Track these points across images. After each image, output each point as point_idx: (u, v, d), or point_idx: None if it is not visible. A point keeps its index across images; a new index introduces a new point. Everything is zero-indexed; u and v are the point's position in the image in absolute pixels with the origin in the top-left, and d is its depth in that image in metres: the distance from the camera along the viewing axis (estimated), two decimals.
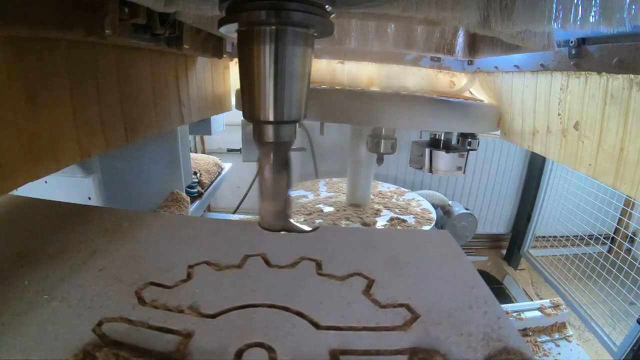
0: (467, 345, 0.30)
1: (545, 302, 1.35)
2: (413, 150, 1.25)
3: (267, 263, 0.44)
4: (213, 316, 0.34)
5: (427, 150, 1.15)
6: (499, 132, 1.12)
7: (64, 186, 0.72)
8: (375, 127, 1.21)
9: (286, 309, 0.35)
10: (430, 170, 1.16)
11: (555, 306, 1.29)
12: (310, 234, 0.50)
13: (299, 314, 0.34)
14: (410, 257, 0.44)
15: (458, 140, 1.17)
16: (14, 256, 0.44)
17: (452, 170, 1.15)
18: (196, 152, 2.31)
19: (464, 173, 1.17)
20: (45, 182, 0.80)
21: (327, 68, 1.29)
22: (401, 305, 0.35)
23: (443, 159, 1.13)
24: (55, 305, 0.35)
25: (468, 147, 1.13)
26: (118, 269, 0.42)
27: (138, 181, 1.03)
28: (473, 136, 1.14)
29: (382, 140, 1.20)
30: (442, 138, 1.17)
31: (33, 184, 0.55)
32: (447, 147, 1.14)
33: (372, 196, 1.55)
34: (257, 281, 0.40)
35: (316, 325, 0.32)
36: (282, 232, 0.50)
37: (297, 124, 0.45)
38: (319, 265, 0.43)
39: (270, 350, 0.30)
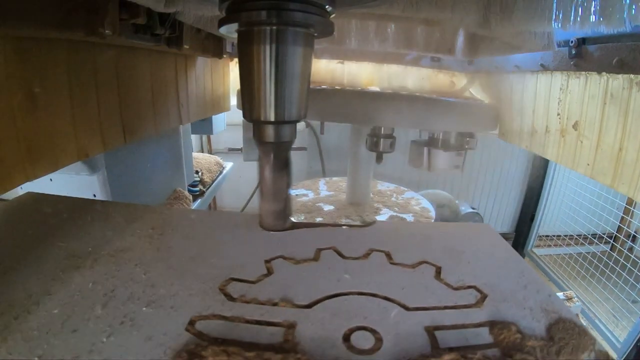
0: (532, 317, 0.35)
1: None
2: (412, 149, 1.26)
3: (341, 255, 0.46)
4: (308, 306, 0.36)
5: (426, 149, 1.17)
6: (497, 132, 1.13)
7: (69, 184, 0.72)
8: (374, 126, 1.22)
9: (374, 295, 0.38)
10: (429, 169, 1.18)
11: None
12: (367, 229, 0.53)
13: (387, 298, 0.37)
14: (463, 246, 0.48)
15: (457, 139, 1.18)
16: (66, 257, 0.42)
17: (450, 169, 1.16)
18: (202, 152, 2.34)
19: (462, 171, 1.19)
20: (51, 180, 0.81)
21: (327, 68, 1.29)
22: (470, 287, 0.40)
23: (441, 157, 1.15)
24: (133, 307, 0.34)
25: (466, 146, 1.15)
26: (188, 266, 0.41)
27: (142, 179, 1.05)
28: (471, 135, 1.16)
29: (381, 139, 1.21)
30: (441, 137, 1.18)
31: (38, 182, 0.55)
32: (445, 146, 1.16)
33: (371, 195, 1.55)
34: (336, 272, 0.42)
35: (405, 307, 0.36)
36: (344, 227, 0.54)
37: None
38: (388, 255, 0.46)
39: (373, 332, 0.32)
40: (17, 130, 0.49)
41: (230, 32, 0.46)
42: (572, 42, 0.72)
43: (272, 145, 0.47)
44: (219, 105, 1.28)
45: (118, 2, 0.57)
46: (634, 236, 2.43)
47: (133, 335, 0.31)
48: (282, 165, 0.49)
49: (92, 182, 0.84)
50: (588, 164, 0.75)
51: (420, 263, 0.44)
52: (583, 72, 0.75)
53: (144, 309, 0.34)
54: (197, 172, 1.52)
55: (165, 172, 1.19)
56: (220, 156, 1.90)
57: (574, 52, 0.73)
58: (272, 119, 0.45)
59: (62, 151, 0.57)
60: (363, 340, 0.31)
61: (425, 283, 0.40)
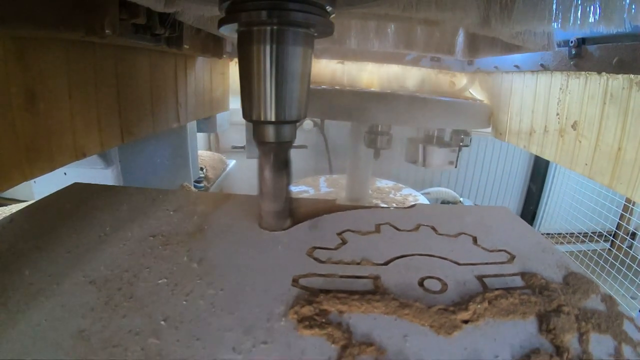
0: (551, 270, 0.46)
1: None
2: (408, 146, 1.31)
3: (396, 228, 0.55)
4: (385, 264, 0.44)
5: (421, 146, 1.22)
6: (489, 129, 1.16)
7: (84, 177, 0.74)
8: (372, 124, 1.27)
9: (431, 256, 0.47)
10: (424, 165, 1.23)
11: None
12: (411, 209, 0.63)
13: (442, 257, 0.47)
14: (490, 222, 0.59)
15: (451, 137, 1.23)
16: (149, 237, 0.48)
17: (444, 165, 1.21)
18: (210, 150, 2.41)
19: (456, 167, 1.24)
20: (65, 173, 0.85)
21: (327, 68, 1.29)
22: (501, 250, 0.50)
23: (436, 153, 1.20)
24: (243, 272, 0.41)
25: (460, 144, 1.19)
26: (271, 238, 0.49)
27: (152, 174, 1.09)
28: (465, 133, 1.20)
29: (378, 136, 1.28)
30: (436, 134, 1.22)
31: (51, 176, 0.58)
32: (440, 143, 1.21)
33: (370, 192, 1.58)
34: (396, 240, 0.51)
35: (457, 263, 0.46)
36: (392, 208, 0.63)
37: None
38: (433, 229, 0.55)
39: (439, 279, 0.42)
40: (16, 130, 0.49)
41: (230, 32, 0.46)
42: (572, 42, 0.72)
43: (272, 146, 0.47)
44: (218, 105, 1.28)
45: (118, 2, 0.57)
46: (634, 233, 2.44)
47: (246, 290, 0.38)
48: (282, 166, 0.49)
49: (107, 176, 0.89)
50: (586, 164, 0.75)
51: (459, 234, 0.54)
52: (583, 72, 0.75)
53: (252, 273, 0.41)
54: (201, 169, 1.58)
55: (172, 168, 1.24)
56: (224, 154, 1.97)
57: (573, 52, 0.73)
58: (272, 119, 0.45)
59: (60, 151, 0.57)
60: (433, 285, 0.41)
61: (467, 247, 0.50)
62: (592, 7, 0.46)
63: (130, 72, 0.74)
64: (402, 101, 1.04)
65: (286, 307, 0.35)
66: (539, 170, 2.56)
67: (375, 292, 0.38)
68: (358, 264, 0.44)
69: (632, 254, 2.10)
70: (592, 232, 2.38)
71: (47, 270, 0.39)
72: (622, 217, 2.39)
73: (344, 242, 0.49)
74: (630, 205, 2.31)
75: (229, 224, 0.53)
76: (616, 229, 2.40)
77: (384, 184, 1.81)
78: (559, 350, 0.33)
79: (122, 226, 0.50)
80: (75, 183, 0.65)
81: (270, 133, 0.46)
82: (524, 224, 0.61)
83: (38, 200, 0.58)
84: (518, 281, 0.43)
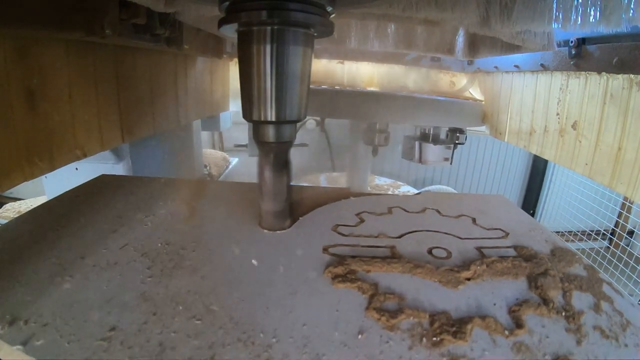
0: (540, 245, 0.53)
1: None
2: (405, 143, 1.35)
3: (406, 211, 0.63)
4: (399, 237, 0.52)
5: (417, 143, 1.27)
6: (483, 128, 1.21)
7: (96, 172, 0.76)
8: (370, 122, 1.33)
9: (437, 232, 0.55)
10: (420, 161, 1.28)
11: None
12: (418, 196, 0.71)
13: (447, 233, 0.55)
14: (487, 207, 0.66)
15: (447, 134, 1.26)
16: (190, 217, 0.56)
17: (439, 161, 1.26)
18: (213, 148, 2.47)
19: (451, 164, 1.29)
20: (76, 169, 0.87)
21: (327, 68, 1.29)
22: (497, 228, 0.58)
23: (431, 150, 1.25)
24: (282, 243, 0.49)
25: (456, 141, 1.24)
26: (303, 219, 0.56)
27: (160, 169, 1.12)
28: (460, 131, 1.24)
29: (376, 134, 1.34)
30: (431, 132, 1.27)
31: (62, 171, 0.60)
32: (435, 140, 1.26)
33: (369, 189, 1.61)
34: (407, 220, 0.59)
35: (459, 238, 0.53)
36: (401, 195, 0.70)
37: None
38: (438, 211, 0.63)
39: (445, 250, 0.49)
40: (16, 130, 0.48)
41: (230, 32, 0.46)
42: (572, 42, 0.72)
43: (272, 146, 0.47)
44: (219, 105, 1.28)
45: (118, 2, 0.57)
46: (632, 232, 2.44)
47: (287, 256, 0.45)
48: (282, 166, 0.49)
49: (118, 171, 0.93)
50: (586, 164, 0.75)
51: (460, 216, 0.62)
52: (583, 72, 0.75)
53: (292, 244, 0.49)
54: (205, 166, 1.64)
55: (179, 164, 1.28)
56: (227, 152, 2.03)
57: (574, 52, 0.73)
58: (272, 119, 0.45)
59: (60, 151, 0.57)
60: (440, 253, 0.49)
61: (467, 226, 0.59)
62: (592, 7, 0.46)
63: (130, 72, 0.74)
64: (397, 100, 1.09)
65: (321, 268, 0.43)
66: (538, 169, 2.56)
67: (393, 257, 0.46)
68: (376, 237, 0.52)
69: (630, 252, 2.10)
70: (591, 231, 2.38)
71: (99, 245, 0.46)
72: (620, 215, 2.39)
73: (362, 221, 0.57)
74: (628, 204, 2.31)
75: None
76: (614, 227, 2.40)
77: (382, 181, 1.83)
78: (545, 301, 0.40)
79: (162, 208, 0.57)
80: (103, 175, 0.72)
81: (270, 133, 0.46)
82: (518, 209, 0.68)
83: (69, 190, 0.63)
84: (511, 252, 0.51)
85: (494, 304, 0.38)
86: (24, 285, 0.37)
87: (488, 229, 0.57)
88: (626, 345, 0.36)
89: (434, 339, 0.33)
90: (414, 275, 0.42)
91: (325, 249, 0.47)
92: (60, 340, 0.31)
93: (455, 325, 0.35)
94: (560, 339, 0.35)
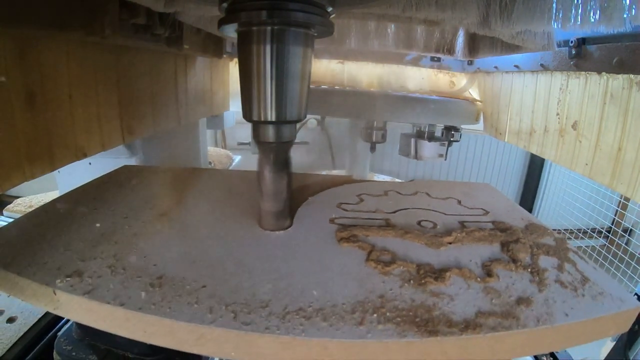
0: (516, 222, 0.60)
1: None
2: (402, 140, 1.41)
3: (399, 193, 0.72)
4: (393, 212, 0.61)
5: (413, 140, 1.33)
6: (478, 126, 1.25)
7: (109, 167, 0.79)
8: (368, 120, 1.38)
9: (426, 209, 0.64)
10: (416, 157, 1.34)
11: None
12: (411, 182, 0.80)
13: (434, 210, 0.63)
14: (473, 192, 0.75)
15: (442, 132, 1.32)
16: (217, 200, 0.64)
17: (434, 157, 1.33)
18: (217, 146, 2.53)
19: (445, 159, 1.36)
20: (90, 163, 0.91)
21: (326, 68, 1.29)
22: (478, 208, 0.66)
23: (426, 147, 1.31)
24: (299, 216, 0.58)
25: (451, 139, 1.30)
26: (312, 199, 0.65)
27: (170, 165, 1.13)
28: (455, 129, 1.28)
29: (374, 131, 1.39)
30: (427, 130, 1.33)
31: (75, 166, 0.64)
32: (431, 138, 1.32)
33: None
34: (400, 200, 0.68)
35: (445, 214, 0.62)
36: (397, 181, 0.81)
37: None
38: (428, 194, 0.72)
39: (431, 222, 0.58)
40: (16, 130, 0.48)
41: (230, 32, 0.46)
42: (572, 42, 0.72)
43: (272, 146, 0.47)
44: (219, 105, 1.28)
45: (118, 2, 0.57)
46: (630, 230, 2.44)
47: (301, 227, 0.55)
48: (282, 166, 0.49)
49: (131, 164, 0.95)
50: (586, 164, 0.75)
51: (448, 198, 0.71)
52: (583, 72, 0.75)
53: (307, 220, 0.57)
54: (210, 163, 1.67)
55: (186, 160, 1.32)
56: (230, 150, 2.06)
57: (574, 52, 0.73)
58: (272, 119, 0.45)
59: (60, 151, 0.57)
60: (428, 225, 0.57)
61: (453, 205, 0.67)
62: (592, 7, 0.46)
63: (130, 72, 0.74)
64: (393, 99, 1.13)
65: (331, 233, 0.53)
66: (535, 166, 2.57)
67: (388, 226, 0.55)
68: (374, 212, 0.61)
69: (628, 250, 2.10)
70: (588, 229, 2.39)
71: (139, 219, 0.54)
72: (618, 213, 2.39)
73: (361, 201, 0.66)
74: (623, 201, 2.31)
75: None
76: (612, 225, 2.40)
77: (381, 178, 1.85)
78: (514, 261, 0.47)
79: (188, 193, 0.65)
80: (125, 166, 0.80)
81: (270, 133, 0.46)
82: (501, 195, 0.76)
83: (96, 179, 0.70)
84: (489, 226, 0.59)
85: (470, 261, 0.47)
86: (74, 252, 0.44)
87: (471, 208, 0.66)
88: (584, 296, 0.41)
89: (420, 281, 0.42)
90: (405, 239, 0.51)
91: (332, 220, 0.57)
92: (118, 286, 0.38)
93: (436, 273, 0.43)
94: (524, 287, 0.42)
